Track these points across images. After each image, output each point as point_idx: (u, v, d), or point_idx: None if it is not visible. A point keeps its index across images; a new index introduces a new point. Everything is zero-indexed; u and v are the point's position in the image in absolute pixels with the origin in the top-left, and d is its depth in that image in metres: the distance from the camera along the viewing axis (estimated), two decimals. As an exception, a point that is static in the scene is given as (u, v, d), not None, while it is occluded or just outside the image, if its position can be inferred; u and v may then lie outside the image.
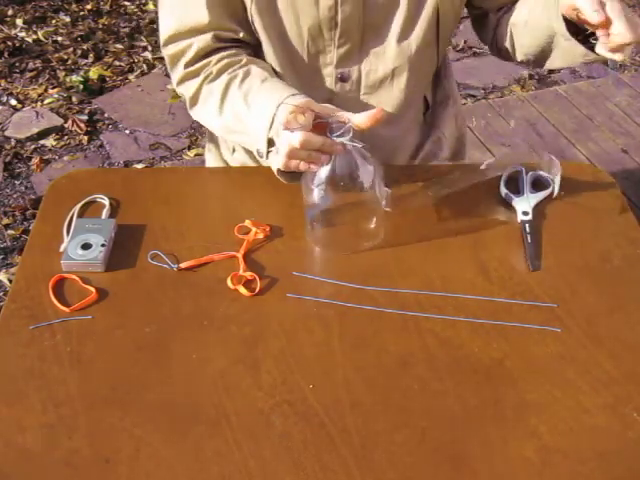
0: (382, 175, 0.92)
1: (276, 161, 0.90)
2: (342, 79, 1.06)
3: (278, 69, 1.05)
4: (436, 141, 1.21)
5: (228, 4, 1.00)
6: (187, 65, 1.03)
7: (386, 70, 1.06)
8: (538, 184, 1.06)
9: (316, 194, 0.90)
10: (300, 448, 0.74)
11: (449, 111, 1.22)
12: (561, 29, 0.92)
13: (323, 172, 0.88)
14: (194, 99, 1.04)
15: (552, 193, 1.04)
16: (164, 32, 1.03)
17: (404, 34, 1.03)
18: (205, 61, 1.02)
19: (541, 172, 1.06)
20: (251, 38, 1.05)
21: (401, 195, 0.98)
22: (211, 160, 1.28)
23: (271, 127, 0.91)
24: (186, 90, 1.05)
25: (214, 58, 1.02)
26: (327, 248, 0.96)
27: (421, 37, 1.03)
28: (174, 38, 1.02)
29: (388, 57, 1.05)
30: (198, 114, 1.07)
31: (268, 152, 0.94)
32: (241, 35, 1.03)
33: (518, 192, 1.03)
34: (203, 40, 1.01)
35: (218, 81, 1.00)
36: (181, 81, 1.05)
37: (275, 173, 0.95)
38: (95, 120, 2.58)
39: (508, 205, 1.03)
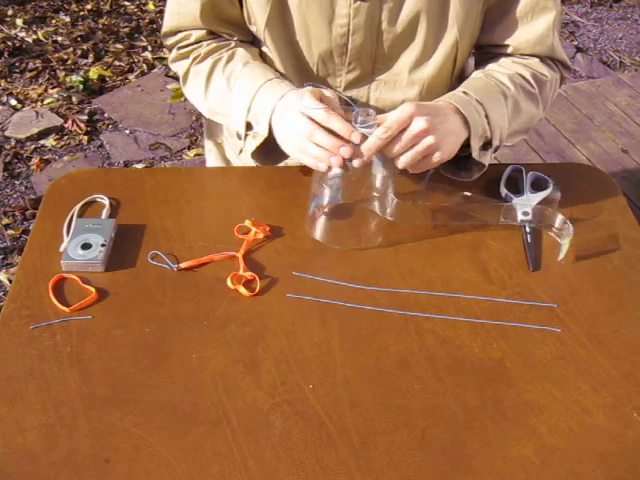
0: (394, 182, 0.93)
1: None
2: (348, 103, 1.06)
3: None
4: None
5: (222, 15, 1.03)
6: (180, 47, 1.07)
7: (395, 100, 1.04)
8: (538, 184, 1.06)
9: (327, 186, 0.91)
10: (300, 448, 0.74)
11: None
12: None
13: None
14: (184, 78, 1.09)
15: (552, 198, 1.04)
16: (164, 27, 1.08)
17: (418, 67, 1.02)
18: (197, 45, 1.06)
19: (541, 173, 1.06)
20: (249, 40, 1.08)
21: (407, 209, 0.98)
22: (212, 160, 1.28)
23: (249, 112, 0.96)
24: (178, 68, 1.10)
25: (205, 42, 1.06)
26: (324, 240, 0.96)
27: (436, 72, 1.03)
28: (173, 31, 1.07)
29: (398, 87, 1.04)
30: (188, 93, 1.11)
31: (246, 135, 0.99)
32: (235, 38, 1.07)
33: (518, 192, 1.04)
34: (200, 32, 1.05)
35: (204, 63, 1.05)
36: (174, 60, 1.10)
37: (249, 156, 0.99)
38: (95, 120, 2.57)
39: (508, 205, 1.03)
